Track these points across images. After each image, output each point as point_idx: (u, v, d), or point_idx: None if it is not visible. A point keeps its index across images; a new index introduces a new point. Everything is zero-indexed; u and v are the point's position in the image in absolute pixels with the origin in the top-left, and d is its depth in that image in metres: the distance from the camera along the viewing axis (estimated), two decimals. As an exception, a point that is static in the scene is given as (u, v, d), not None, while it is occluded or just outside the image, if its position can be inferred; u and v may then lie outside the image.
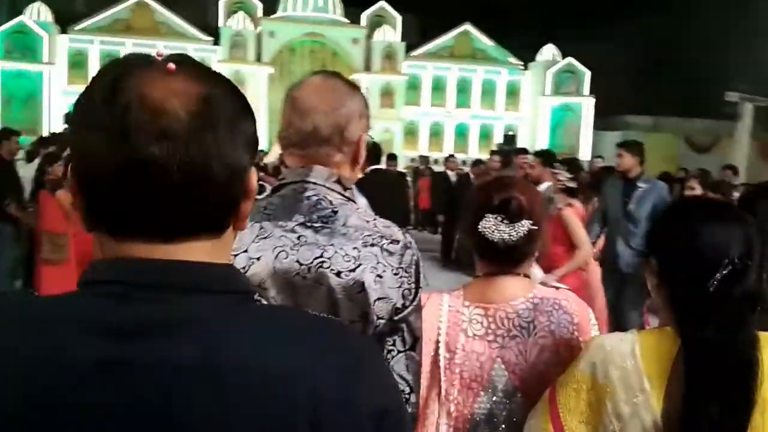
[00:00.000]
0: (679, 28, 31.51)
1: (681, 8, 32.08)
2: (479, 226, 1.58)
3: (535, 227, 1.57)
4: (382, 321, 1.26)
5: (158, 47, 27.63)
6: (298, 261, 1.26)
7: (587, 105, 31.19)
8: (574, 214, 4.63)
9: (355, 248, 1.27)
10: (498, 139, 28.58)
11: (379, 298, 1.25)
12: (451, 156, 13.36)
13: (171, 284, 0.69)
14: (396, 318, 1.27)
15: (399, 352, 1.28)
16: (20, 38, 24.76)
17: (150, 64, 0.71)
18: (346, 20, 29.13)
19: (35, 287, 6.80)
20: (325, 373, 0.69)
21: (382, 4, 30.39)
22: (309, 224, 1.29)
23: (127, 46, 26.78)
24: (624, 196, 5.41)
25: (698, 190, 5.10)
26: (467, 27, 30.96)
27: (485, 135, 30.91)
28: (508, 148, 22.99)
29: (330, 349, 0.72)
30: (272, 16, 28.68)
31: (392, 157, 12.24)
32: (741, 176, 10.58)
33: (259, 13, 28.80)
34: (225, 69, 27.39)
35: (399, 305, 1.27)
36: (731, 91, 21.39)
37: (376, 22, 29.75)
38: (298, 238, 1.28)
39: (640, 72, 33.41)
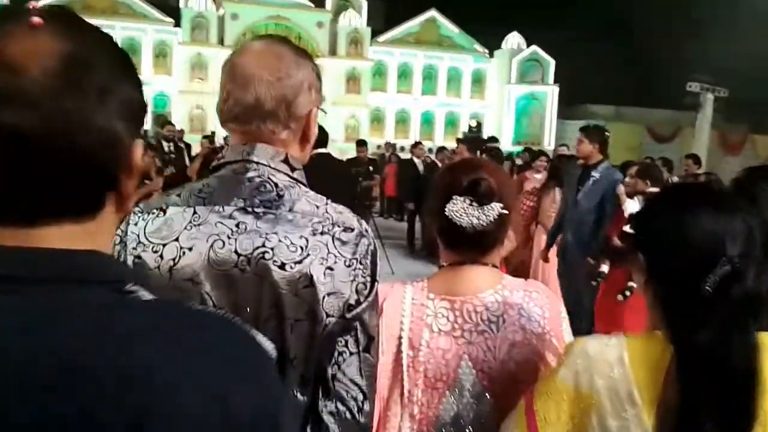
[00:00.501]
0: (641, 19, 31.87)
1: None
2: (446, 209, 1.45)
3: (506, 211, 1.46)
4: (332, 319, 1.13)
5: (116, 28, 26.90)
6: (236, 251, 1.12)
7: (552, 94, 31.38)
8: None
9: (302, 237, 1.14)
10: (464, 127, 28.56)
11: (329, 293, 1.13)
12: (419, 143, 13.18)
13: (22, 275, 0.60)
14: (349, 315, 1.14)
15: (351, 353, 1.15)
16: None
17: (17, 17, 0.60)
18: (311, 4, 28.69)
19: None
20: (192, 375, 0.60)
21: (348, -13, 30.02)
22: (250, 209, 1.15)
23: (85, 25, 26.01)
24: (578, 183, 5.29)
25: (639, 184, 5.01)
26: (433, 13, 30.80)
27: (451, 123, 30.89)
28: (474, 136, 23.07)
29: (203, 348, 0.62)
30: (236, -1, 28.10)
31: (362, 143, 12.01)
32: (702, 166, 10.67)
33: (222, -6, 28.18)
34: (186, 51, 26.79)
35: (352, 301, 1.15)
36: (692, 81, 21.70)
37: (342, 6, 29.35)
38: (237, 225, 1.14)
39: (603, 61, 33.73)
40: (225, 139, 9.03)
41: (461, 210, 1.44)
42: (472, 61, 31.41)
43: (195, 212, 1.15)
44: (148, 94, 27.07)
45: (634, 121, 30.75)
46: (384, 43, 30.02)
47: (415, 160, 11.80)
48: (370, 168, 11.43)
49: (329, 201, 1.22)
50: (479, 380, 1.45)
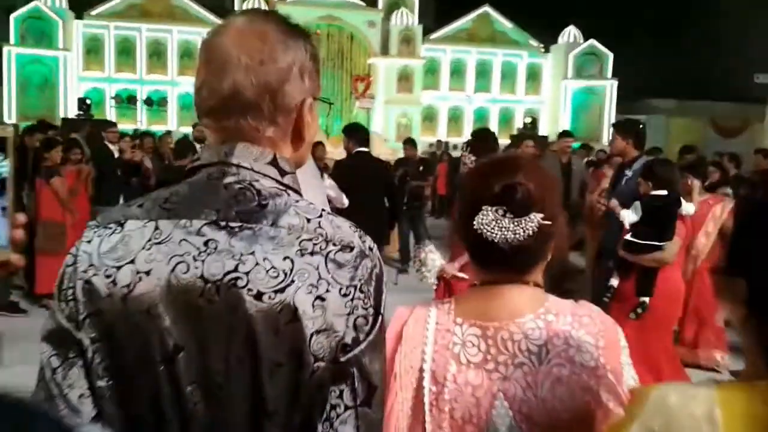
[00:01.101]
0: (707, 8, 30.54)
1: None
2: (475, 222, 1.22)
3: (548, 222, 1.21)
4: (323, 363, 0.90)
5: (173, 32, 27.41)
6: (202, 276, 0.91)
7: (610, 88, 30.40)
8: None
9: (286, 258, 0.92)
10: (519, 123, 27.97)
11: (318, 330, 0.90)
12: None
13: None
14: (343, 359, 0.91)
15: (347, 408, 0.91)
16: (35, 24, 24.59)
17: None
18: (363, 3, 28.59)
19: (34, 278, 6.56)
20: None
21: (400, -15, 29.78)
22: (223, 223, 0.95)
23: (143, 31, 26.60)
24: (613, 183, 4.89)
25: (643, 186, 4.39)
26: (486, 9, 30.26)
27: (505, 119, 30.29)
28: (531, 133, 22.49)
29: None
30: (287, 0, 28.23)
31: (409, 142, 11.74)
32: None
33: (275, -4, 28.36)
34: (241, 54, 27.07)
35: (348, 339, 0.92)
36: (761, 72, 20.62)
37: (393, 4, 29.13)
38: (206, 243, 0.94)
39: (664, 53, 32.52)
40: None
41: (493, 223, 1.21)
42: (526, 57, 30.74)
43: (157, 227, 0.95)
44: (204, 96, 27.42)
45: (697, 114, 29.51)
46: (436, 40, 29.67)
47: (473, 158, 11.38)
48: (421, 167, 11.13)
49: (325, 212, 1.00)
50: (517, 423, 1.21)
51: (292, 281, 0.91)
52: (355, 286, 0.94)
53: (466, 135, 29.67)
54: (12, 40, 24.10)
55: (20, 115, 23.33)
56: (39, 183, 6.29)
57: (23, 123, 21.09)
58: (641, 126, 5.08)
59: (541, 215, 1.20)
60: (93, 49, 26.19)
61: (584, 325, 1.23)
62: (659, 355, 4.13)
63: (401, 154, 12.87)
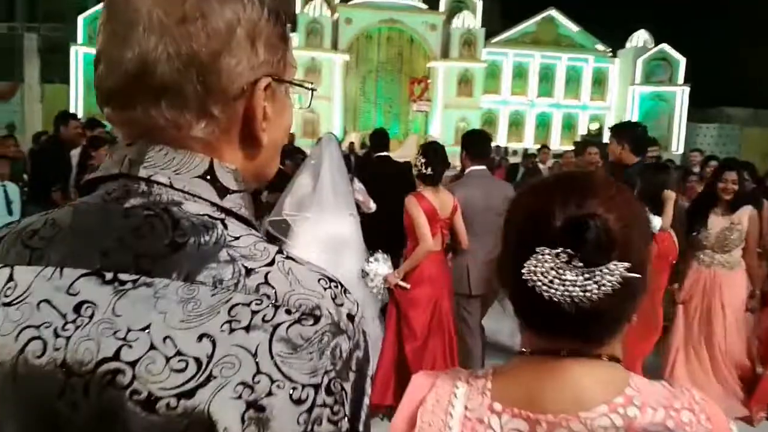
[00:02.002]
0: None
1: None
2: (525, 269, 0.83)
3: (637, 275, 0.81)
4: None
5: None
6: (65, 364, 0.56)
7: (681, 95, 29.12)
8: (416, 203, 3.83)
9: (204, 336, 0.57)
10: (582, 130, 27.08)
11: None
12: (545, 146, 11.90)
13: None
14: None
15: None
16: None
17: None
18: (424, 6, 28.25)
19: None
20: None
21: (463, -12, 29.31)
22: (110, 275, 0.60)
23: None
24: None
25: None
26: (552, 12, 29.46)
27: (569, 125, 29.43)
28: (596, 140, 21.62)
29: None
30: (350, 3, 28.16)
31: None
32: None
33: (337, -1, 28.36)
34: (301, 56, 27.10)
35: None
36: None
37: (456, 7, 28.69)
38: (79, 307, 0.59)
39: (741, 59, 30.96)
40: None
41: (552, 273, 0.82)
42: (592, 61, 29.78)
43: (11, 277, 0.62)
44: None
45: (774, 124, 27.99)
46: (498, 43, 29.06)
47: (540, 166, 10.53)
48: None
49: (282, 255, 0.65)
50: None
51: (210, 377, 0.56)
52: (318, 385, 0.58)
53: (527, 140, 28.98)
54: (80, 39, 24.80)
55: (87, 113, 23.94)
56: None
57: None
58: (639, 128, 4.60)
59: (626, 264, 0.80)
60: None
61: (684, 424, 0.83)
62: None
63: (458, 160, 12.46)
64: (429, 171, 3.93)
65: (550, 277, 0.82)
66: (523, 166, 15.29)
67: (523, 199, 0.96)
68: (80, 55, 24.68)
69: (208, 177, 0.67)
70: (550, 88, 29.66)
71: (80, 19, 24.97)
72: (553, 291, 0.82)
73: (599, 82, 30.02)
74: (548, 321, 0.86)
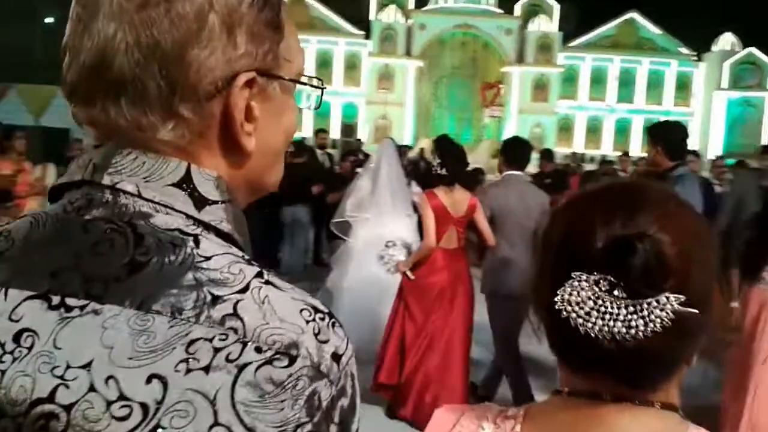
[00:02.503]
0: None
1: None
2: (558, 298, 0.71)
3: (694, 311, 0.69)
4: None
5: (311, 42, 28.16)
6: None
7: (772, 100, 27.68)
8: (426, 201, 3.97)
9: (154, 377, 0.50)
10: (663, 136, 26.13)
11: None
12: (625, 154, 11.25)
13: None
14: None
15: None
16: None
17: None
18: (500, 10, 27.95)
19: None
20: None
21: (539, -8, 28.87)
22: (57, 299, 0.53)
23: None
24: None
25: None
26: (633, 14, 28.56)
27: (649, 132, 28.43)
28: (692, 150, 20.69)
29: None
30: (424, 8, 28.19)
31: (547, 154, 10.76)
32: None
33: (411, 5, 28.41)
34: (375, 62, 27.32)
35: None
36: None
37: (532, 11, 28.27)
38: (18, 336, 0.52)
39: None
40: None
41: (590, 303, 0.69)
42: (676, 65, 28.68)
43: None
44: (338, 104, 28.18)
45: None
46: (576, 47, 28.40)
47: (621, 174, 9.93)
48: (547, 180, 10.12)
49: (272, 278, 0.54)
50: None
51: (157, 428, 0.48)
52: None
53: (606, 147, 28.16)
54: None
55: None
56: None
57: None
58: (676, 129, 4.06)
59: (681, 296, 0.68)
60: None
61: None
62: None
63: (533, 166, 12.06)
64: (443, 171, 3.98)
65: (587, 309, 0.68)
66: (600, 174, 14.86)
67: (562, 213, 0.80)
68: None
69: (184, 185, 0.58)
70: (630, 93, 28.76)
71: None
72: (590, 325, 0.68)
73: (683, 86, 28.88)
74: (585, 359, 0.72)
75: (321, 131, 9.56)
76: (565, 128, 28.20)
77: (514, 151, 4.51)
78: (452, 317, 4.09)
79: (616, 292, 0.67)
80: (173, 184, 0.57)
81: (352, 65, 28.13)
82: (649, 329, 0.67)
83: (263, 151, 0.63)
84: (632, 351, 0.68)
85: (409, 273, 4.07)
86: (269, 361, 0.50)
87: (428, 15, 27.79)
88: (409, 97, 27.38)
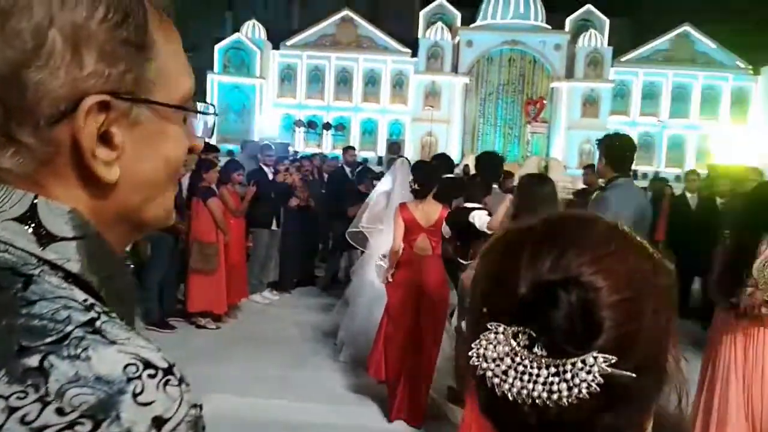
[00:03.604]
0: None
1: None
2: (473, 351, 0.60)
3: (630, 373, 0.56)
4: None
5: (359, 60, 28.46)
6: None
7: (836, 113, 26.50)
8: (398, 213, 4.54)
9: None
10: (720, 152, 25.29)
11: None
12: (694, 171, 9.68)
13: None
14: None
15: None
16: (237, 54, 26.87)
17: None
18: (548, 26, 27.68)
19: (185, 296, 6.76)
20: None
21: (589, 7, 28.44)
22: None
23: (332, 60, 27.94)
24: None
25: None
26: (687, 28, 27.87)
27: (705, 148, 27.57)
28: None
29: None
30: (471, 25, 28.16)
31: (591, 167, 10.52)
32: None
33: (458, 23, 28.42)
34: (421, 80, 27.39)
35: None
36: None
37: (582, 26, 27.91)
38: None
39: None
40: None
41: (507, 361, 0.58)
42: (732, 79, 27.79)
43: None
44: (385, 121, 28.32)
45: None
46: (628, 62, 27.86)
47: (688, 195, 8.68)
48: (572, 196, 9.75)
49: (106, 327, 0.48)
50: None
51: None
52: None
53: (657, 163, 27.43)
54: (216, 68, 26.56)
55: (220, 137, 25.57)
56: (195, 203, 6.46)
57: (222, 145, 23.04)
58: (624, 140, 3.90)
59: (611, 357, 0.55)
60: (286, 78, 28.05)
61: None
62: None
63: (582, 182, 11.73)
64: (416, 186, 4.51)
65: (504, 367, 0.58)
66: (650, 190, 14.41)
67: (491, 251, 0.68)
68: (216, 83, 26.43)
69: (29, 220, 0.54)
70: (684, 109, 28.00)
71: (216, 49, 26.77)
72: (507, 386, 0.57)
73: (740, 101, 27.95)
74: (507, 426, 0.62)
75: (349, 148, 9.57)
76: (617, 144, 27.61)
77: (488, 170, 5.24)
78: (423, 318, 4.46)
79: (536, 349, 0.57)
80: (16, 218, 0.53)
81: (399, 83, 28.26)
82: (573, 395, 0.55)
83: (133, 182, 0.58)
84: (555, 421, 0.57)
85: (389, 277, 4.62)
86: (70, 426, 0.44)
87: (475, 32, 27.75)
88: (455, 114, 27.32)
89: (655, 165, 27.14)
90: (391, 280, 4.58)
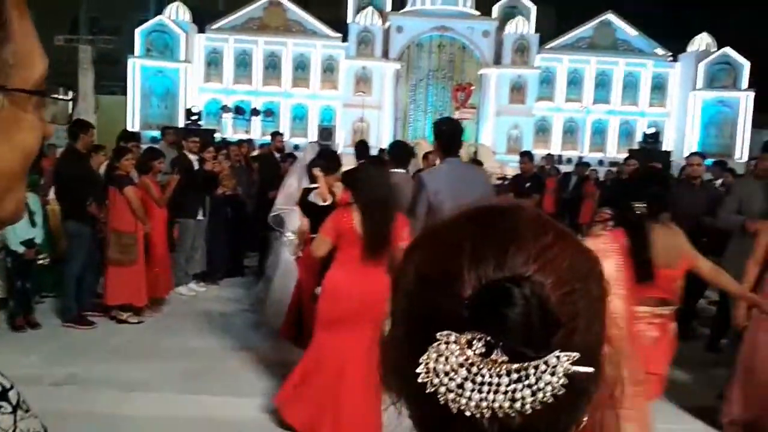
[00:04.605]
0: None
1: None
2: (422, 367, 0.54)
3: (587, 369, 0.53)
4: None
5: (288, 45, 27.98)
6: None
7: (745, 100, 27.88)
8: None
9: None
10: (641, 137, 26.23)
11: None
12: (631, 158, 10.09)
13: None
14: None
15: None
16: (160, 37, 25.94)
17: None
18: (477, 12, 27.95)
19: (103, 289, 6.47)
20: None
21: (516, -6, 28.90)
22: None
23: (260, 44, 27.35)
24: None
25: None
26: (609, 16, 28.69)
27: (626, 133, 28.55)
28: (651, 147, 20.75)
29: None
30: (401, 11, 28.12)
31: (526, 155, 10.53)
32: None
33: (388, 8, 28.34)
34: (352, 65, 27.19)
35: None
36: None
37: (509, 13, 28.31)
38: None
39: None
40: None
41: (462, 373, 0.53)
42: (651, 66, 28.84)
43: None
44: (316, 107, 27.98)
45: None
46: (553, 49, 28.47)
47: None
48: (528, 184, 9.88)
49: None
50: None
51: None
52: None
53: (582, 148, 28.25)
54: (137, 51, 25.58)
55: (143, 123, 24.67)
56: (112, 192, 6.17)
57: (146, 132, 22.25)
58: (446, 123, 4.50)
59: (572, 355, 0.52)
60: (213, 62, 27.32)
61: None
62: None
63: (510, 168, 11.88)
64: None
65: (459, 380, 0.53)
66: (576, 175, 14.79)
67: (417, 252, 0.61)
68: (137, 67, 25.46)
69: None
70: (606, 95, 28.88)
71: (138, 32, 25.76)
72: (464, 401, 0.52)
73: (659, 87, 29.06)
74: None
75: (277, 134, 9.44)
76: (543, 130, 28.27)
77: (397, 154, 5.81)
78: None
79: (494, 356, 0.52)
80: None
81: (329, 68, 27.98)
82: (538, 400, 0.52)
83: None
84: (516, 431, 0.53)
85: (299, 252, 5.05)
86: None
87: (405, 17, 27.72)
88: (387, 100, 27.28)
89: (579, 150, 27.90)
90: (300, 254, 4.87)
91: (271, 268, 6.29)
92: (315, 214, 4.82)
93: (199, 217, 7.37)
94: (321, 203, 4.96)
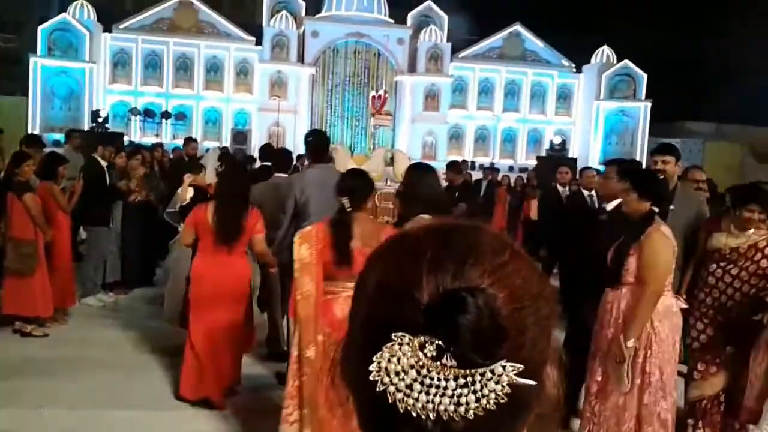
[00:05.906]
0: (743, 33, 29.55)
1: (745, 11, 30.11)
2: (374, 366, 0.57)
3: (529, 381, 0.57)
4: None
5: (201, 47, 27.32)
6: None
7: (644, 110, 29.53)
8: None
9: None
10: (548, 144, 27.28)
11: None
12: (565, 167, 9.29)
13: None
14: None
15: None
16: (63, 36, 24.73)
17: None
18: (391, 20, 28.26)
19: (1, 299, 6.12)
20: None
21: (429, 4, 29.36)
22: None
23: (170, 45, 26.57)
24: None
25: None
26: (517, 27, 29.70)
27: (534, 140, 29.60)
28: (559, 155, 21.67)
29: None
30: (316, 16, 28.06)
31: (452, 166, 10.49)
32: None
33: (303, 12, 28.20)
34: (267, 69, 26.87)
35: None
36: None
37: (423, 22, 28.78)
38: None
39: (702, 77, 31.55)
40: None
41: (413, 373, 0.56)
42: (557, 76, 30.04)
43: None
44: (230, 111, 27.45)
45: (735, 139, 28.50)
46: (465, 58, 29.17)
47: (559, 188, 8.60)
48: (456, 193, 9.89)
49: None
50: None
51: None
52: None
53: (492, 155, 29.06)
54: (39, 51, 24.25)
55: (45, 126, 23.40)
56: (11, 198, 5.85)
57: (48, 134, 21.12)
58: (314, 135, 5.61)
59: (518, 366, 0.56)
60: (120, 62, 26.30)
61: None
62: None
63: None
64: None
65: (409, 380, 0.55)
66: (485, 180, 15.27)
67: (381, 258, 0.65)
68: (39, 66, 24.15)
69: None
70: (516, 103, 29.83)
71: (39, 30, 24.45)
72: (411, 402, 0.54)
73: (564, 97, 30.29)
74: None
75: (190, 140, 9.22)
76: (456, 137, 28.90)
77: (279, 160, 6.59)
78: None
79: (444, 360, 0.55)
80: None
81: (243, 71, 27.53)
82: (481, 406, 0.55)
83: None
84: None
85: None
86: None
87: (320, 22, 27.68)
88: (303, 105, 27.13)
89: (491, 156, 28.68)
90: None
91: (172, 260, 6.71)
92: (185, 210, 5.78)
93: (110, 224, 7.10)
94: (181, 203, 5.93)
